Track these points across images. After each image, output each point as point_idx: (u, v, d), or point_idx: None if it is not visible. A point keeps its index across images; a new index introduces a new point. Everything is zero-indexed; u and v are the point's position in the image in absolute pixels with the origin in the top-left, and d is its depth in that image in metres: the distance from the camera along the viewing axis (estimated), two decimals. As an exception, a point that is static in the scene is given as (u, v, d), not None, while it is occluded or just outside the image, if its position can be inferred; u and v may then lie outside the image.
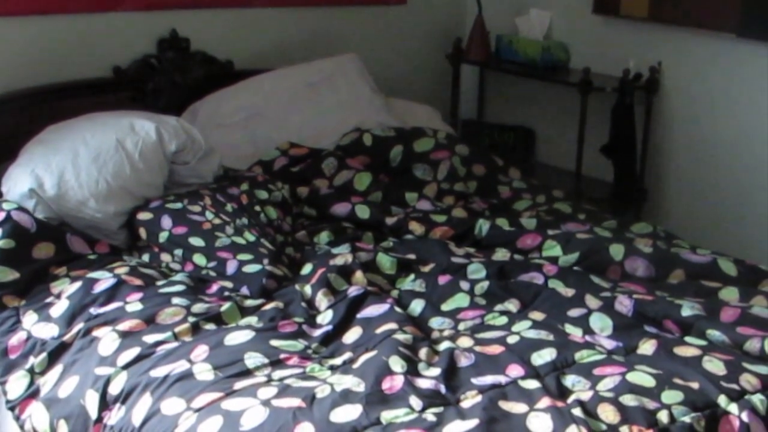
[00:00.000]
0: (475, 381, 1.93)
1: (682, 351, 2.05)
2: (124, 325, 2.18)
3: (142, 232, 2.62)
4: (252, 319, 2.23)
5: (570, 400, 1.85)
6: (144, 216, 2.64)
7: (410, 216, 2.85)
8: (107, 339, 2.15)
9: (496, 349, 2.06)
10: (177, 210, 2.64)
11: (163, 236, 2.58)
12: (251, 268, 2.44)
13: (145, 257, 2.60)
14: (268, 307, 2.29)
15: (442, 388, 1.90)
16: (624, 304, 2.26)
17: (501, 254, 2.64)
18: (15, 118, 3.02)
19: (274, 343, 2.10)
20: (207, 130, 3.06)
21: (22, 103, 3.08)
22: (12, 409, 2.15)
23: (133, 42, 3.34)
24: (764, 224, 3.34)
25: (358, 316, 2.24)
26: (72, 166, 2.62)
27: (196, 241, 2.55)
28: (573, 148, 3.62)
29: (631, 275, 2.51)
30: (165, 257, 2.56)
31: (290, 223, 2.83)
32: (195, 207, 2.66)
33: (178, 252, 2.55)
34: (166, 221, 2.61)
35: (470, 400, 1.86)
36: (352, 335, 2.17)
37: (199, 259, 2.51)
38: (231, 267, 2.46)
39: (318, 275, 2.40)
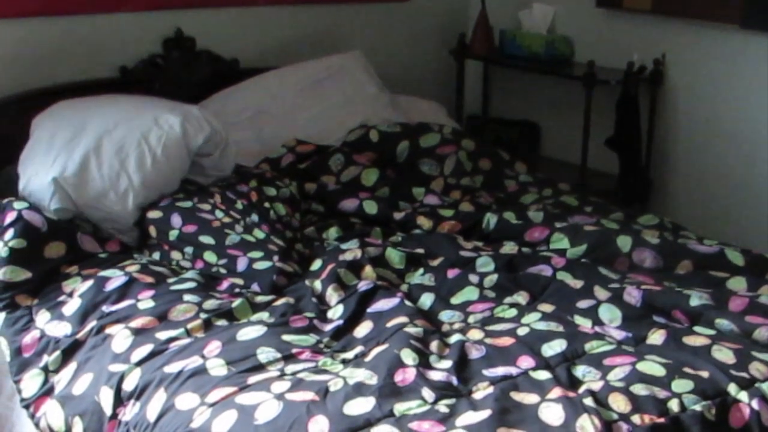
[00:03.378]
0: (486, 372, 1.94)
1: (691, 340, 2.06)
2: (137, 323, 2.20)
3: (152, 231, 2.64)
4: (263, 315, 2.25)
5: (581, 390, 1.86)
6: (154, 214, 2.65)
7: (418, 211, 2.86)
8: (120, 336, 2.16)
9: (506, 341, 2.07)
10: (187, 208, 2.65)
11: (173, 234, 2.60)
12: (261, 265, 2.46)
13: (156, 255, 2.61)
14: (279, 302, 2.31)
15: (454, 380, 1.91)
16: (632, 295, 2.27)
17: (509, 247, 2.65)
18: (22, 119, 3.03)
19: (286, 338, 2.12)
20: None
21: (28, 103, 3.08)
22: (27, 407, 2.17)
23: (139, 42, 3.35)
24: (770, 214, 3.35)
25: (369, 310, 2.25)
26: (95, 158, 2.63)
27: (207, 239, 2.56)
28: (578, 142, 3.63)
29: (639, 266, 2.52)
30: (175, 255, 2.58)
31: (299, 219, 2.84)
32: (205, 205, 2.67)
33: (189, 250, 2.56)
34: (176, 219, 2.62)
35: (482, 391, 1.87)
36: (363, 329, 2.18)
37: (210, 256, 2.52)
38: (241, 264, 2.47)
39: (328, 270, 2.41)
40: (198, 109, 2.86)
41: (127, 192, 2.62)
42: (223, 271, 2.49)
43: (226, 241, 2.55)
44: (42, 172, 2.60)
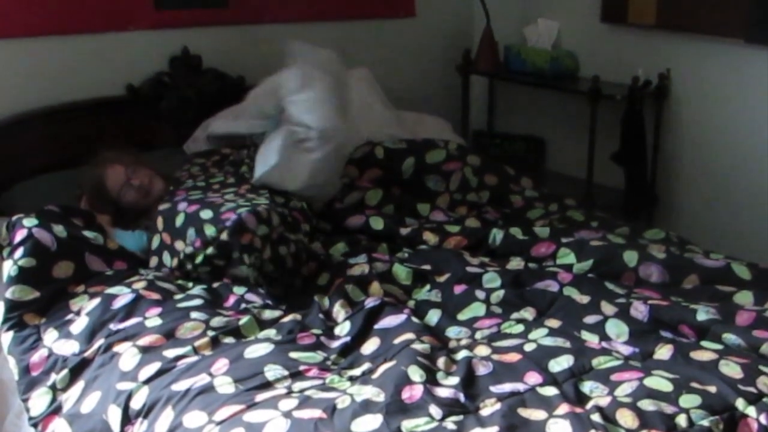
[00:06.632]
0: (493, 389, 1.94)
1: (698, 355, 2.06)
2: (144, 341, 2.20)
3: (160, 223, 2.64)
4: (270, 332, 2.25)
5: (588, 406, 1.86)
6: (164, 206, 2.69)
7: (424, 226, 2.86)
8: (128, 354, 2.16)
9: (513, 357, 2.07)
10: (196, 198, 2.69)
11: (179, 219, 2.59)
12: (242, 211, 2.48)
13: (164, 260, 2.61)
14: (286, 319, 2.31)
15: (462, 397, 1.91)
16: (639, 310, 2.27)
17: (515, 263, 2.65)
18: (31, 137, 3.06)
19: (293, 355, 2.12)
20: (221, 145, 3.10)
21: (38, 122, 3.12)
22: (35, 425, 2.17)
23: (146, 60, 3.38)
24: (776, 228, 3.35)
25: (376, 326, 2.26)
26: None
27: (206, 214, 2.55)
28: (584, 157, 3.64)
29: (646, 281, 2.52)
30: (179, 245, 2.56)
31: (308, 228, 2.82)
32: (214, 194, 2.71)
33: (191, 232, 2.54)
34: (183, 204, 2.64)
35: (489, 407, 1.87)
36: (370, 346, 2.18)
37: (209, 229, 2.50)
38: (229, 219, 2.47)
39: (335, 286, 2.42)
40: None
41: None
42: (214, 235, 2.48)
43: (221, 209, 2.55)
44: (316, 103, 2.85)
